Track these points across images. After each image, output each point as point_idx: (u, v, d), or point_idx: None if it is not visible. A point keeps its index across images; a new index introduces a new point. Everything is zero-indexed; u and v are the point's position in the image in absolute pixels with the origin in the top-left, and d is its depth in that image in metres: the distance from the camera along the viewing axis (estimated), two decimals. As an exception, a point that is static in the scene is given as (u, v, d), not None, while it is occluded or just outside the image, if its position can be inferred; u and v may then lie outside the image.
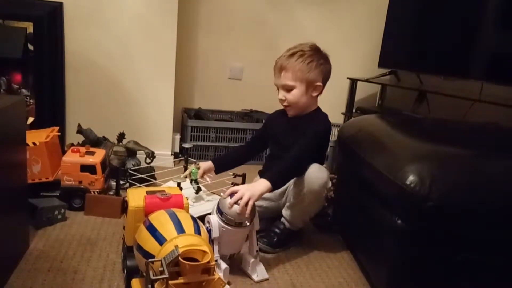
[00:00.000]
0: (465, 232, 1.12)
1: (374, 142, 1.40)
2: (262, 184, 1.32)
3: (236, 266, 1.35)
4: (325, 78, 1.53)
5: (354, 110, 2.59)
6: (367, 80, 2.52)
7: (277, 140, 1.59)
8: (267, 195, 1.48)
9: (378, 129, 1.54)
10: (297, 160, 1.44)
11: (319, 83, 1.50)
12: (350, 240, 1.58)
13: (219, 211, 1.26)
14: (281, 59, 1.51)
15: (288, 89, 1.50)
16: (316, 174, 1.44)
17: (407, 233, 1.14)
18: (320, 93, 1.54)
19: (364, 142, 1.46)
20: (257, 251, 1.33)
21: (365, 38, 2.69)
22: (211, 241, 1.23)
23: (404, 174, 1.13)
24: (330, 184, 1.48)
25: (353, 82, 2.55)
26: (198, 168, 1.58)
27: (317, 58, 1.49)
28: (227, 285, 1.23)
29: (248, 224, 1.27)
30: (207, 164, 1.60)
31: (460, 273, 1.15)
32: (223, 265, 1.25)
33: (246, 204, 1.24)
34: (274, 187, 1.34)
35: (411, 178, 1.11)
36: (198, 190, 1.60)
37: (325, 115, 1.57)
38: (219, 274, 1.21)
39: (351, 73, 2.61)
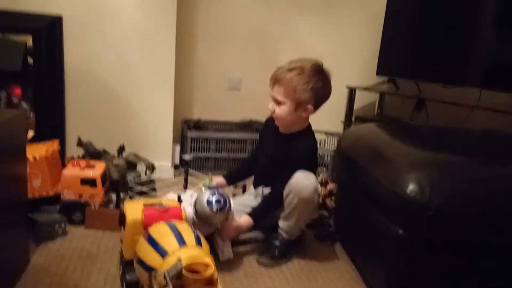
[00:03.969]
0: (466, 239, 1.12)
1: (373, 151, 1.41)
2: (247, 222, 1.48)
3: (234, 267, 1.38)
4: (319, 101, 1.49)
5: (353, 119, 2.60)
6: (365, 89, 2.52)
7: (266, 152, 1.62)
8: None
9: (377, 137, 1.54)
10: (281, 195, 1.48)
11: (310, 106, 1.47)
12: (351, 250, 1.57)
13: (195, 207, 1.34)
14: (280, 70, 1.48)
15: (278, 102, 1.49)
16: (304, 181, 1.42)
17: (408, 242, 1.13)
18: (311, 113, 1.52)
19: (363, 151, 1.47)
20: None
21: (363, 47, 2.71)
22: None
23: (403, 182, 1.13)
24: (320, 188, 1.48)
25: (352, 91, 2.56)
26: (211, 180, 1.62)
27: (315, 80, 1.45)
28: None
29: (218, 226, 1.39)
30: (219, 179, 1.68)
31: (461, 281, 1.15)
32: None
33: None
34: (256, 224, 1.49)
35: (411, 186, 1.11)
36: None
37: (312, 138, 1.55)
38: None
39: (350, 81, 2.62)
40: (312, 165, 1.56)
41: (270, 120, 1.63)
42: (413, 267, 1.14)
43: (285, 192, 1.46)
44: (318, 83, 1.45)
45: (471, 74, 2.14)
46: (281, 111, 1.49)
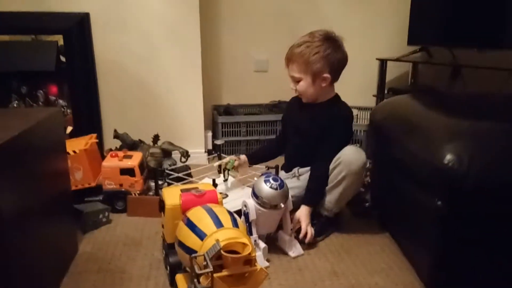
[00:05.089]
0: (506, 209, 1.08)
1: (407, 123, 1.37)
2: (306, 210, 1.47)
3: (272, 246, 1.40)
4: (334, 68, 1.48)
5: (386, 92, 2.53)
6: (397, 59, 2.45)
7: (296, 129, 1.61)
8: (296, 184, 1.54)
9: (411, 109, 1.50)
10: (326, 172, 1.48)
11: (326, 74, 1.47)
12: (389, 224, 1.55)
13: (255, 195, 1.33)
14: (290, 48, 1.50)
15: (296, 80, 1.51)
16: (355, 155, 1.44)
17: (448, 214, 1.11)
18: (331, 82, 1.51)
19: (397, 124, 1.44)
20: (291, 229, 1.41)
21: (393, 16, 2.62)
22: (248, 223, 1.32)
23: (441, 153, 1.10)
24: (368, 164, 1.46)
25: (383, 63, 2.49)
26: (238, 158, 1.65)
27: (324, 48, 1.45)
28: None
29: (282, 206, 1.34)
30: (242, 157, 1.69)
31: (503, 252, 1.11)
32: (262, 244, 1.33)
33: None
34: (315, 206, 1.50)
35: (448, 157, 1.08)
36: (226, 179, 1.65)
37: (344, 105, 1.55)
38: (259, 252, 1.28)
39: (380, 53, 2.55)
40: (348, 133, 1.57)
41: (293, 100, 1.64)
42: (454, 239, 1.12)
43: (332, 165, 1.46)
44: (328, 49, 1.45)
45: (509, 35, 2.02)
46: (301, 87, 1.51)
